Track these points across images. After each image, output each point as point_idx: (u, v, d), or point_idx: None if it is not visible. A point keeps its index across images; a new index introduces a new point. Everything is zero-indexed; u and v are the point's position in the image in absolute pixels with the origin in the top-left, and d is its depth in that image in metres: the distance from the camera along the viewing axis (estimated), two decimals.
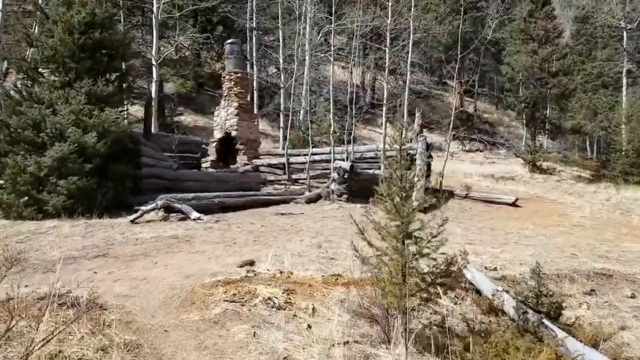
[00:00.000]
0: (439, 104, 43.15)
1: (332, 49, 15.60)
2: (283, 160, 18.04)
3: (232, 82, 16.35)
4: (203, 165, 16.34)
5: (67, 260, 5.74)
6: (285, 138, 23.30)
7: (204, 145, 18.18)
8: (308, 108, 20.39)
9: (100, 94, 9.74)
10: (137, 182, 10.19)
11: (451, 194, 14.70)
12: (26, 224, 8.45)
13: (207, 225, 8.38)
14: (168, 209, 9.15)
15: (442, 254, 3.71)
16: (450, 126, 16.27)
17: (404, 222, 3.45)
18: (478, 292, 5.00)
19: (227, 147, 16.68)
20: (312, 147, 22.54)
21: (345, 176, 12.76)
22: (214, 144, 16.76)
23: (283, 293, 3.65)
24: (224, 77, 16.80)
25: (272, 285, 3.82)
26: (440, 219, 3.62)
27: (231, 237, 7.17)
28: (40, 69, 9.66)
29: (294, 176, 17.73)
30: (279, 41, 22.76)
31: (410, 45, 20.01)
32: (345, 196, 12.73)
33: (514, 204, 14.39)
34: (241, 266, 4.79)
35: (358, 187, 13.03)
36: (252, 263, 4.92)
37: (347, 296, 3.95)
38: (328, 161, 16.77)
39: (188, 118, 29.03)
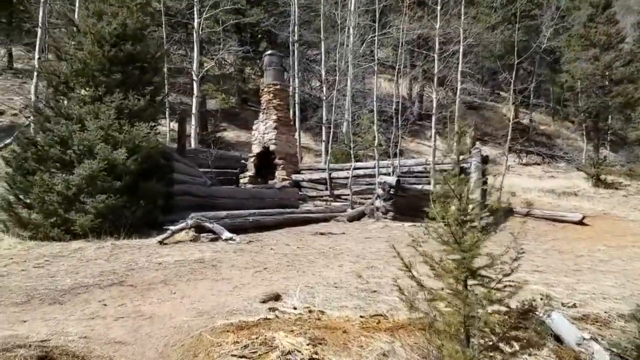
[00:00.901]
0: (492, 116, 41.49)
1: (376, 58, 14.87)
2: (325, 175, 17.37)
3: (271, 95, 15.92)
4: (241, 181, 15.93)
5: (79, 289, 5.23)
6: (327, 152, 22.72)
7: (243, 161, 17.82)
8: (350, 120, 19.71)
9: (131, 109, 9.44)
10: (169, 199, 9.77)
11: (510, 212, 13.51)
12: (51, 245, 8.15)
13: (238, 247, 7.77)
14: (199, 229, 8.64)
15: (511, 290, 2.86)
16: (508, 137, 15.08)
17: (466, 257, 2.63)
18: (557, 338, 4.05)
19: (266, 162, 16.20)
20: (356, 161, 21.78)
21: (391, 192, 11.90)
22: (252, 159, 16.33)
23: (308, 344, 2.90)
24: (262, 90, 16.40)
25: (297, 331, 3.08)
26: (514, 250, 2.78)
27: (262, 262, 6.50)
28: (70, 84, 9.47)
29: (336, 192, 17.00)
30: (321, 53, 22.31)
31: (461, 54, 19.03)
32: (391, 214, 11.86)
33: (580, 222, 13.05)
34: (264, 301, 4.08)
35: (405, 203, 12.17)
36: (277, 297, 4.20)
37: (392, 347, 3.14)
38: (372, 176, 15.95)
39: (231, 133, 29.02)
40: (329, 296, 4.40)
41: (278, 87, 16.19)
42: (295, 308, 3.77)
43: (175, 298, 4.75)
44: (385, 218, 11.80)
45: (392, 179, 11.96)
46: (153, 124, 9.87)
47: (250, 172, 16.08)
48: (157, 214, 9.42)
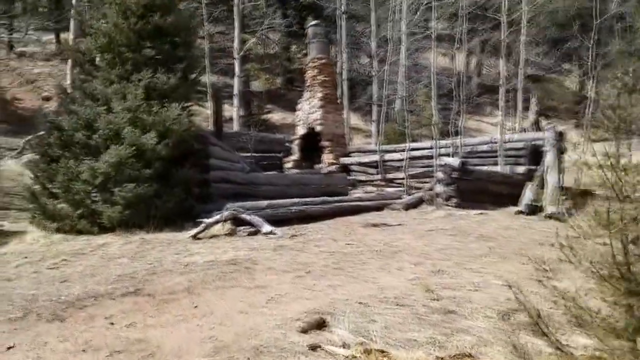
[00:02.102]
0: (554, 89, 38.64)
1: (434, 19, 13.36)
2: (376, 157, 16.21)
3: (316, 70, 14.84)
4: (285, 165, 15.05)
5: (87, 300, 4.46)
6: (378, 132, 21.45)
7: (287, 143, 16.94)
8: (405, 96, 18.34)
9: (161, 88, 8.68)
10: (205, 187, 9.00)
11: (591, 195, 11.87)
12: (76, 240, 7.57)
13: (278, 243, 6.85)
14: (236, 221, 7.80)
15: None
16: (588, 112, 13.31)
17: None
18: None
19: (312, 145, 15.20)
20: (411, 141, 20.45)
21: (454, 175, 10.63)
22: (297, 141, 15.38)
23: None
24: (306, 65, 15.34)
25: None
26: None
27: (304, 263, 5.54)
28: (96, 61, 8.81)
29: (389, 176, 15.84)
30: (371, 26, 20.91)
31: (524, 20, 17.23)
32: (454, 200, 10.62)
33: None
34: (304, 331, 3.11)
35: (470, 188, 10.89)
36: (321, 324, 3.21)
37: None
38: (430, 157, 14.65)
39: (276, 115, 28.27)
40: (389, 321, 3.36)
41: (323, 61, 15.07)
42: (345, 345, 2.76)
43: (195, 316, 3.87)
44: (447, 205, 10.57)
45: (454, 161, 10.69)
46: (186, 104, 9.05)
47: (295, 155, 15.16)
48: (191, 203, 8.67)
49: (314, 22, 16.12)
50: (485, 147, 13.76)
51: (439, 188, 10.70)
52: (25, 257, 6.32)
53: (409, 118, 22.51)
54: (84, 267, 5.75)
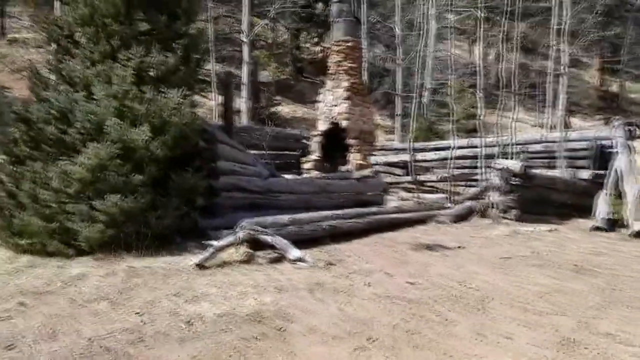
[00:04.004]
0: (573, 83, 37.02)
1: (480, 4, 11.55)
2: (405, 157, 14.56)
3: (341, 55, 13.14)
4: (304, 166, 13.40)
5: None
6: (402, 128, 19.79)
7: (304, 140, 15.28)
8: (450, 85, 16.58)
9: (156, 69, 7.04)
10: (212, 197, 7.37)
11: None
12: (46, 266, 6.00)
13: (313, 277, 5.24)
14: (253, 243, 6.18)
15: None
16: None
17: None
18: None
19: (335, 142, 13.52)
20: (436, 137, 18.84)
21: (513, 182, 8.97)
22: (317, 138, 13.71)
23: None
24: (328, 49, 13.68)
25: None
26: None
27: (361, 320, 3.93)
28: (75, 36, 7.18)
29: (420, 178, 14.19)
30: (396, 5, 19.15)
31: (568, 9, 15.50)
32: (513, 212, 8.98)
33: None
34: None
35: (530, 197, 9.26)
36: None
37: None
38: (472, 157, 13.01)
39: (285, 108, 26.65)
40: None
41: (350, 44, 13.36)
42: None
43: None
44: (505, 218, 8.94)
45: (515, 164, 9.03)
46: (188, 91, 7.38)
47: (315, 154, 13.50)
48: (195, 217, 7.06)
49: None
50: (538, 147, 12.08)
51: (495, 197, 9.05)
52: None
53: (437, 112, 20.86)
54: (44, 319, 4.14)
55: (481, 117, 11.69)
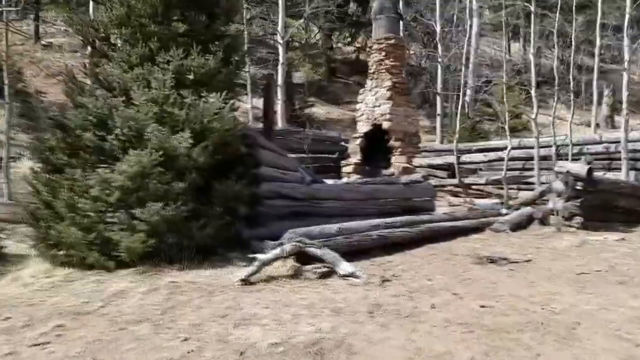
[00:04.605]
0: (619, 79, 35.31)
1: None
2: (449, 159, 13.97)
3: (383, 53, 12.65)
4: (344, 169, 12.95)
5: None
6: (442, 128, 19.14)
7: (342, 143, 14.83)
8: (477, 85, 15.93)
9: (196, 72, 6.74)
10: (254, 205, 7.01)
11: None
12: (85, 281, 5.76)
13: (370, 297, 4.80)
14: (300, 256, 5.76)
15: None
16: None
17: None
18: None
19: (377, 144, 13.03)
20: (480, 138, 18.15)
21: (578, 187, 8.31)
22: (359, 141, 13.24)
23: None
24: (369, 47, 13.19)
25: None
26: None
27: (434, 353, 3.47)
28: (112, 39, 6.94)
29: (466, 180, 13.59)
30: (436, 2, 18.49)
31: None
32: (577, 219, 8.31)
33: None
34: None
35: (594, 203, 8.58)
36: None
37: None
38: (523, 159, 12.34)
39: (320, 110, 26.26)
40: None
41: (392, 42, 12.85)
42: None
43: None
44: (570, 226, 8.28)
45: (580, 167, 8.35)
46: (229, 95, 7.04)
47: (356, 158, 13.03)
48: (238, 227, 6.72)
49: None
50: (597, 148, 11.31)
51: (558, 203, 8.40)
52: (8, 318, 4.45)
53: (480, 112, 20.14)
54: (84, 346, 3.82)
55: (535, 117, 10.99)
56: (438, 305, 4.48)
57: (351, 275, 5.45)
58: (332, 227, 6.57)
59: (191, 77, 6.83)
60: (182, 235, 6.18)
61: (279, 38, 16.31)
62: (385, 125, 12.63)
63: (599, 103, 22.63)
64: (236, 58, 7.79)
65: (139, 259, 6.05)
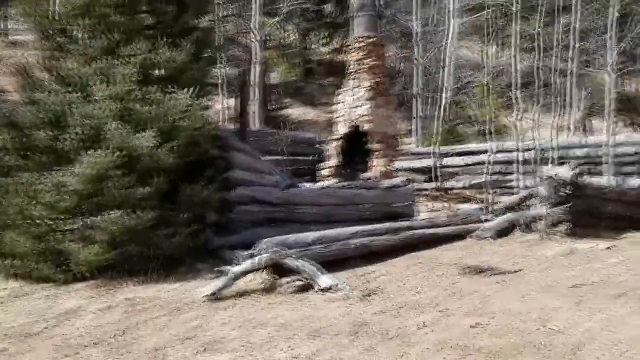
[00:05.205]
0: (587, 84, 35.90)
1: None
2: (428, 162, 13.69)
3: (362, 52, 12.26)
4: (322, 173, 12.53)
5: None
6: (421, 131, 18.89)
7: (319, 145, 14.41)
8: (456, 87, 15.73)
9: (164, 67, 6.25)
10: (226, 211, 6.53)
11: None
12: (35, 296, 5.29)
13: (352, 315, 4.38)
14: (276, 268, 5.31)
15: None
16: None
17: None
18: None
19: (356, 147, 12.65)
20: (458, 142, 17.90)
21: (564, 192, 8.06)
22: (336, 143, 12.82)
23: None
24: (349, 46, 12.81)
25: None
26: None
27: None
28: (70, 30, 6.38)
29: (446, 185, 13.32)
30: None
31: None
32: (564, 226, 8.05)
33: None
34: None
35: (581, 208, 8.34)
36: None
37: None
38: (504, 163, 12.13)
39: (296, 111, 25.79)
40: None
41: (372, 40, 12.48)
42: None
43: None
44: (557, 233, 8.01)
45: (566, 172, 8.10)
46: (199, 92, 6.54)
47: (334, 161, 12.61)
48: (208, 236, 6.23)
49: None
50: (579, 152, 11.16)
51: (543, 209, 8.14)
52: None
53: (458, 115, 19.96)
54: None
55: (517, 120, 10.78)
56: (428, 324, 4.10)
57: (331, 289, 5.02)
58: (310, 236, 6.14)
59: (158, 72, 6.34)
60: (145, 245, 5.67)
61: (253, 37, 15.84)
62: (365, 127, 12.28)
63: (576, 107, 22.76)
64: (208, 54, 7.31)
65: (97, 272, 5.53)
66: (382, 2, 18.93)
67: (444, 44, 17.30)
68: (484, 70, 18.75)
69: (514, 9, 10.79)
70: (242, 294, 5.04)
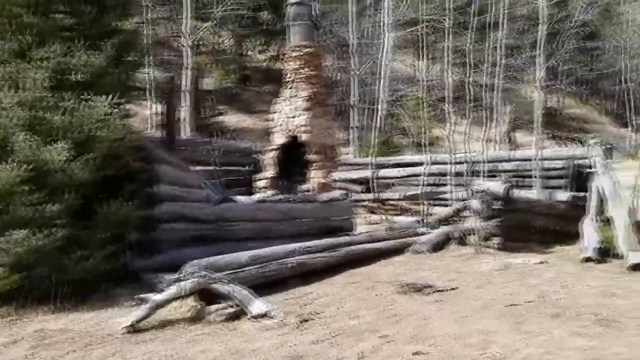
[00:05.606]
0: (511, 98, 37.95)
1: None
2: (365, 173, 13.65)
3: (299, 61, 12.01)
4: (257, 184, 12.13)
5: None
6: (357, 140, 18.92)
7: (254, 155, 13.99)
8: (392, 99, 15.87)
9: (80, 72, 5.67)
10: (149, 229, 6.02)
11: None
12: None
13: (287, 345, 4.06)
14: (204, 294, 4.89)
15: None
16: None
17: None
18: None
19: (292, 158, 12.35)
20: (394, 152, 18.08)
21: (496, 206, 8.16)
22: (273, 153, 12.46)
23: None
24: (284, 55, 12.55)
25: None
26: None
27: None
28: None
29: (382, 196, 13.31)
30: (350, 12, 18.28)
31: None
32: (496, 240, 8.14)
33: None
34: None
35: (512, 222, 8.49)
36: None
37: None
38: (437, 174, 12.25)
39: (231, 118, 25.18)
40: None
41: (310, 50, 12.26)
42: None
43: None
44: (489, 247, 8.09)
45: (498, 186, 8.21)
46: (120, 99, 6.00)
47: (270, 172, 12.23)
48: (128, 257, 5.69)
49: (296, 0, 13.19)
50: (508, 166, 11.44)
51: (476, 222, 8.20)
52: None
53: (392, 126, 20.20)
54: None
55: (450, 133, 10.93)
56: (367, 354, 3.84)
57: (265, 315, 4.67)
58: (243, 256, 5.76)
59: (74, 77, 5.75)
60: (55, 269, 5.10)
61: (184, 40, 15.22)
62: (303, 137, 12.03)
63: (500, 121, 23.70)
64: (128, 58, 6.75)
65: (3, 300, 4.89)
66: (318, 12, 18.84)
67: (379, 56, 17.46)
68: (417, 84, 19.14)
69: (445, 24, 10.97)
70: (165, 324, 4.58)
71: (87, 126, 5.36)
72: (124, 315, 4.61)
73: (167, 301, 4.63)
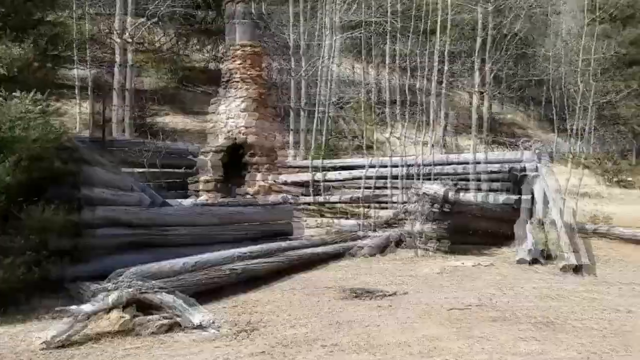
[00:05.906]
0: (449, 104, 39.47)
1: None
2: (304, 176, 13.55)
3: (240, 61, 11.70)
4: (194, 187, 11.70)
5: None
6: (297, 144, 18.81)
7: (191, 157, 13.52)
8: (333, 102, 15.87)
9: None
10: (76, 235, 5.59)
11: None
12: None
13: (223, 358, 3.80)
14: (138, 304, 4.56)
15: None
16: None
17: None
18: None
19: (232, 160, 12.02)
20: (333, 155, 18.15)
21: (437, 209, 8.26)
22: (211, 155, 12.07)
23: None
24: (224, 53, 12.20)
25: None
26: None
27: None
28: None
29: (322, 199, 13.25)
30: (289, 12, 18.16)
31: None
32: (436, 242, 8.24)
33: None
34: None
35: (453, 225, 8.63)
36: None
37: None
38: (378, 177, 12.34)
39: (170, 119, 24.42)
40: None
41: (252, 49, 11.97)
42: None
43: None
44: (429, 249, 8.16)
45: (438, 188, 8.30)
46: (44, 96, 5.53)
47: (208, 174, 11.82)
48: (53, 266, 5.23)
49: None
50: (446, 169, 11.67)
51: (417, 225, 8.26)
52: None
53: (337, 128, 20.24)
54: None
55: (390, 136, 11.01)
56: None
57: (202, 326, 4.41)
58: (179, 262, 5.46)
59: None
60: None
61: (116, 37, 14.50)
62: (244, 139, 11.72)
63: (438, 125, 24.40)
64: (56, 51, 6.29)
65: None
66: (260, 12, 18.59)
67: (321, 58, 17.42)
68: (359, 87, 19.29)
69: (388, 27, 11.06)
70: (92, 338, 4.21)
71: (8, 124, 4.89)
72: (44, 329, 4.21)
73: (94, 313, 4.26)
